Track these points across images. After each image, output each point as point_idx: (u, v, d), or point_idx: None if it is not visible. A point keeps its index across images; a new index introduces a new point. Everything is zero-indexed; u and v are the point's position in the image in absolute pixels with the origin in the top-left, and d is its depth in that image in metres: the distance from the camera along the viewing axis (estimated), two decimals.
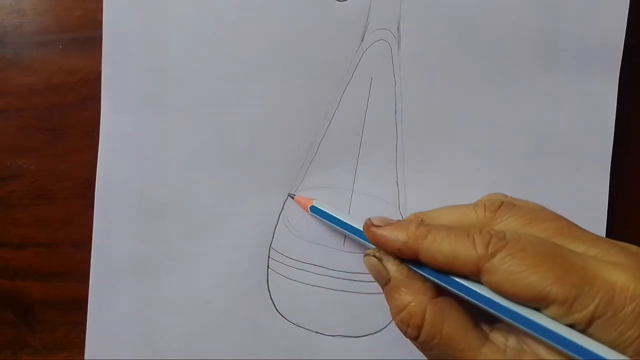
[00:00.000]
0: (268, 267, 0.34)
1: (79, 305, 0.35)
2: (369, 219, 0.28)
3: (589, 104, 0.34)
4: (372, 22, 0.34)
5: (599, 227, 0.34)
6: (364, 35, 0.34)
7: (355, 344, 0.35)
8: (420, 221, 0.27)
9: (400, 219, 0.34)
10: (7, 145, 0.36)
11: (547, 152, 0.35)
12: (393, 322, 0.33)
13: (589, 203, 0.34)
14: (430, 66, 0.34)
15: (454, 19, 0.34)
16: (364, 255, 0.28)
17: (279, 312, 0.34)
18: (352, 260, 0.34)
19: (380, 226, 0.27)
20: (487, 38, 0.34)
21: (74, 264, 0.36)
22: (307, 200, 0.33)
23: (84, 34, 0.35)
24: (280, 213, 0.34)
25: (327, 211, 0.32)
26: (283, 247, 0.34)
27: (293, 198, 0.34)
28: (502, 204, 0.27)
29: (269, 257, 0.34)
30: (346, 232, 0.31)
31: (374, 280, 0.34)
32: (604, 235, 0.34)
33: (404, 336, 0.26)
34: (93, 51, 0.34)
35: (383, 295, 0.32)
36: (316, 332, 0.34)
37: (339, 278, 0.34)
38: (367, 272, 0.34)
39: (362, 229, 0.28)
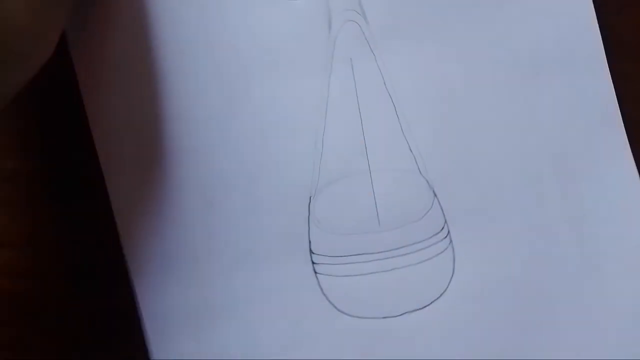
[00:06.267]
0: (315, 272, 0.34)
1: None
2: None
3: (567, 7, 0.34)
4: (332, 6, 0.34)
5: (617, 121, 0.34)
6: (330, 21, 0.34)
7: (425, 316, 0.34)
8: None
9: (427, 184, 0.34)
10: (5, 145, 0.36)
11: (541, 66, 0.34)
12: (452, 281, 0.33)
13: (597, 104, 0.34)
14: (402, 27, 0.34)
15: None
16: None
17: (341, 312, 0.34)
18: (391, 237, 0.34)
19: None
20: None
21: None
22: None
23: None
24: (308, 217, 0.34)
25: None
26: (322, 248, 0.34)
27: None
28: None
29: (312, 262, 0.34)
30: None
31: (418, 249, 0.34)
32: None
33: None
34: None
35: (433, 259, 0.32)
36: (384, 318, 0.34)
37: (385, 259, 0.34)
38: (410, 243, 0.34)
39: None
